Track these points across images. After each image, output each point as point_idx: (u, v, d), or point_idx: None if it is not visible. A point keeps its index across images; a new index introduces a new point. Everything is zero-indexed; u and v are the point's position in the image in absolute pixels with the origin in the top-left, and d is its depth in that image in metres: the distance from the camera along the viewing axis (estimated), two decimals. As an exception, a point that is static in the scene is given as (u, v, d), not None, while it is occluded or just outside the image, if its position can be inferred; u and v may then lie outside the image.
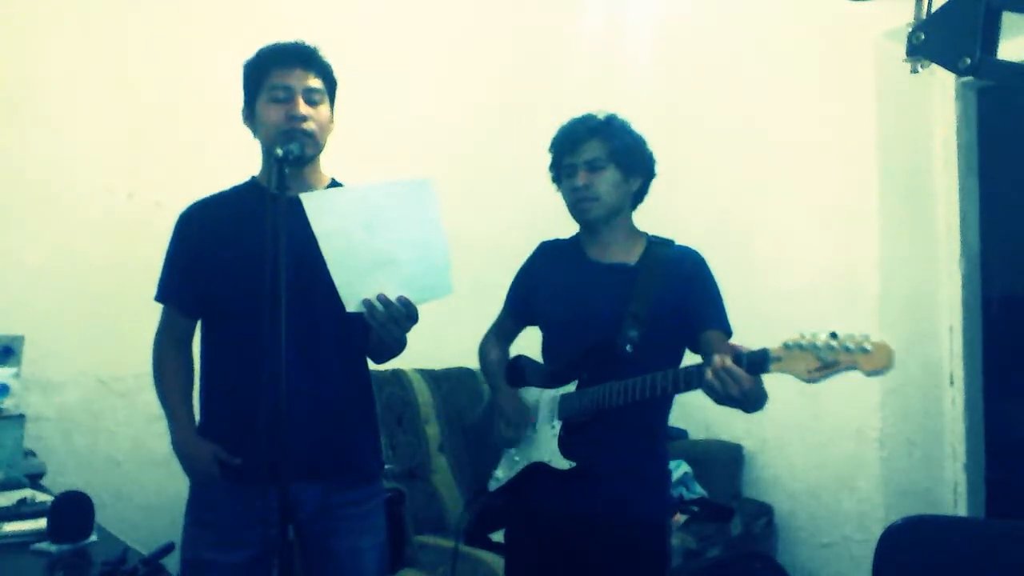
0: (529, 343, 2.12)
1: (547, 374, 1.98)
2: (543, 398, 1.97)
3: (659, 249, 1.96)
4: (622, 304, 1.88)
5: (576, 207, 1.96)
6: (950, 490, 3.28)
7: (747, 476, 3.53)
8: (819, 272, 3.25)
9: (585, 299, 1.94)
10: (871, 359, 1.46)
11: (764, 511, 3.39)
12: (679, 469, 3.38)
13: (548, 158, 2.03)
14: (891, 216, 3.21)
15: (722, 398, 1.59)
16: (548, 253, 2.10)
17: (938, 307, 3.30)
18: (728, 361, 1.56)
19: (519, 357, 2.08)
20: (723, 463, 3.50)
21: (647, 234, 2.01)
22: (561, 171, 1.99)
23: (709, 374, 1.58)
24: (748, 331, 1.68)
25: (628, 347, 1.84)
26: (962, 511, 3.22)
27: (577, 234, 2.05)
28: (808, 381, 1.52)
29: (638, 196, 2.00)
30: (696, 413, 3.65)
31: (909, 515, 1.83)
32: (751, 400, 1.59)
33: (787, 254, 3.40)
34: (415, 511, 2.82)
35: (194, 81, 2.91)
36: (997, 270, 3.38)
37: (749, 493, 3.51)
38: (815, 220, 3.33)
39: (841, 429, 3.25)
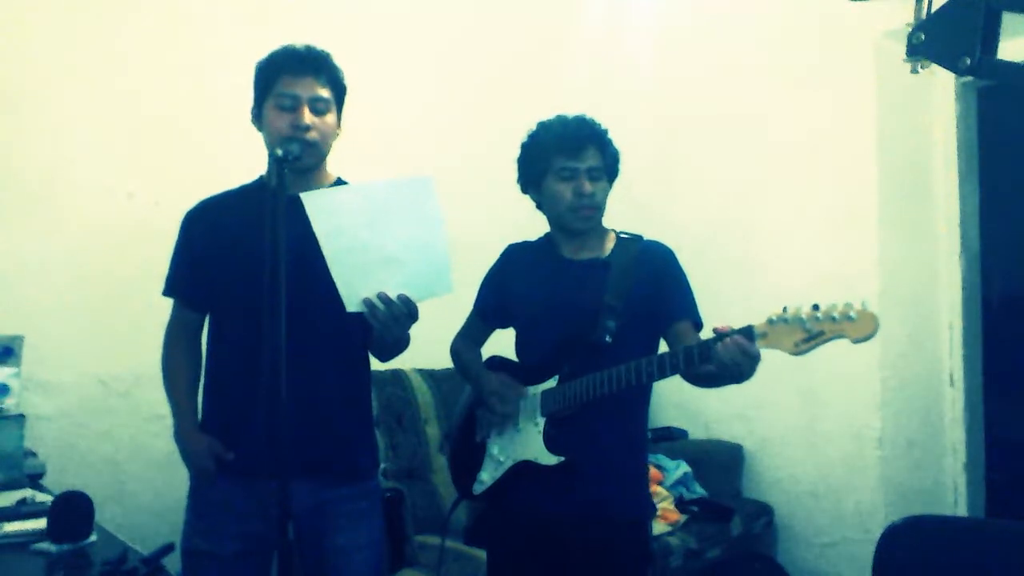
0: (493, 350, 2.11)
1: (525, 371, 1.97)
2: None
3: (629, 244, 1.97)
4: (598, 296, 1.88)
5: (577, 213, 1.92)
6: (950, 490, 3.28)
7: (747, 476, 3.53)
8: (819, 272, 3.24)
9: (563, 295, 1.94)
10: (857, 326, 1.49)
11: (764, 511, 3.39)
12: (679, 469, 3.38)
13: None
14: (891, 216, 3.22)
15: (724, 370, 1.61)
16: (519, 254, 2.09)
17: (938, 307, 3.31)
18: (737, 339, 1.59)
19: (493, 357, 2.07)
20: (723, 463, 3.50)
21: (615, 230, 2.02)
22: (549, 171, 1.93)
23: (720, 347, 1.59)
24: (748, 331, 1.68)
25: (607, 337, 1.84)
26: (962, 511, 3.22)
27: (547, 235, 2.05)
28: (796, 354, 1.55)
29: None
30: (696, 413, 3.65)
31: (909, 515, 1.83)
32: (748, 373, 1.63)
33: (787, 254, 3.39)
34: (415, 511, 2.82)
35: (194, 81, 2.91)
36: (997, 270, 3.38)
37: (749, 493, 3.51)
38: (815, 220, 3.33)
39: (841, 429, 3.25)
